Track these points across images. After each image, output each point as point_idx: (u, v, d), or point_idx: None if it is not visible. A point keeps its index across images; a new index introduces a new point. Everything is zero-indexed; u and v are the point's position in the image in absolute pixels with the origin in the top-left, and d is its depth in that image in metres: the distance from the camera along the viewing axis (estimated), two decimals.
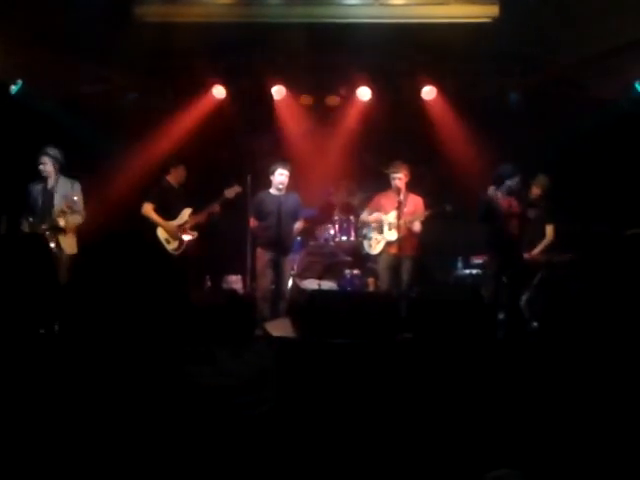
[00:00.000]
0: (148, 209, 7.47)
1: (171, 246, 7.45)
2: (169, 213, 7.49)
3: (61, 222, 6.84)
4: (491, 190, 7.05)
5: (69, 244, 6.93)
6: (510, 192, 7.32)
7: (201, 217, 7.54)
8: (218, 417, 3.69)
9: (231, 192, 7.44)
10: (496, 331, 6.15)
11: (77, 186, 7.04)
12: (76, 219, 6.95)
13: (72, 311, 5.55)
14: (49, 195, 6.93)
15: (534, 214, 7.23)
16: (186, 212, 7.53)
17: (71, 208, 6.86)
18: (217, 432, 3.66)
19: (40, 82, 8.13)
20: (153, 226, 7.44)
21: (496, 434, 3.80)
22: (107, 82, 8.66)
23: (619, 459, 3.48)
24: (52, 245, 6.75)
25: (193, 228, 7.53)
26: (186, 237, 7.49)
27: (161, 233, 7.47)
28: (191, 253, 7.52)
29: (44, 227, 6.80)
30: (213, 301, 5.47)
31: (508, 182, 7.26)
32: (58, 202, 6.90)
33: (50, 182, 6.97)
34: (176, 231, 7.45)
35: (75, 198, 6.91)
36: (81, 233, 7.03)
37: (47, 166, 6.93)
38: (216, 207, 7.47)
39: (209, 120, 9.00)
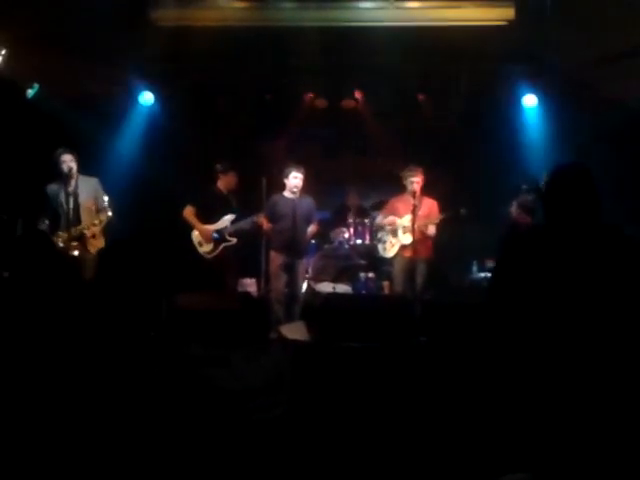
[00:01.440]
0: (188, 212, 7.56)
1: (203, 249, 7.50)
2: (210, 218, 7.52)
3: (89, 233, 6.72)
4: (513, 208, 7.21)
5: (96, 243, 6.80)
6: (524, 208, 7.36)
7: (243, 225, 7.51)
8: (232, 420, 3.69)
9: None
10: None
11: (98, 183, 6.96)
12: (104, 217, 6.78)
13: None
14: (73, 197, 6.80)
15: None
16: (227, 218, 7.52)
17: (99, 208, 6.79)
18: (231, 435, 3.66)
19: (56, 86, 8.18)
20: (189, 229, 7.50)
21: (511, 438, 3.78)
22: (123, 85, 8.69)
23: (629, 463, 3.44)
24: (75, 253, 6.65)
25: (233, 235, 7.52)
26: (224, 242, 7.49)
27: (195, 236, 7.55)
28: (228, 258, 7.52)
29: (72, 235, 6.68)
30: (228, 304, 5.50)
31: (523, 197, 7.35)
32: (84, 203, 6.80)
33: (72, 183, 6.83)
34: (211, 235, 7.46)
35: (102, 198, 6.82)
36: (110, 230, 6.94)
37: (74, 164, 6.81)
38: (261, 216, 7.41)
39: (224, 123, 9.03)
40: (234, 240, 7.51)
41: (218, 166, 7.67)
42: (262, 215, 7.38)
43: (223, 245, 7.48)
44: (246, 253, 7.97)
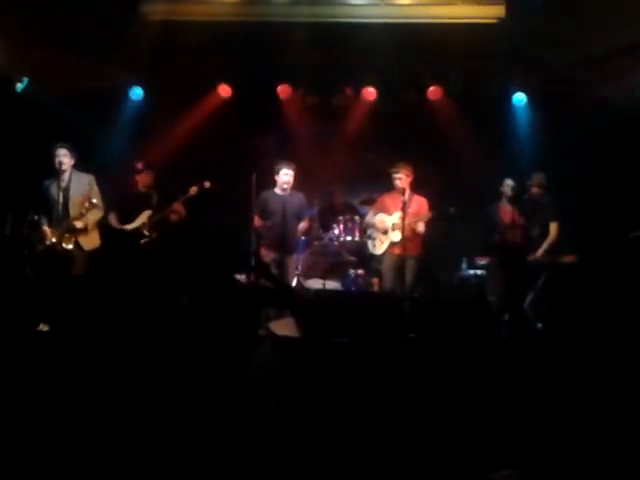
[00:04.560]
0: (110, 217, 7.51)
1: None
2: (129, 217, 7.52)
3: (79, 224, 6.77)
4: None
5: (90, 240, 6.88)
6: (508, 199, 7.41)
7: (160, 217, 7.50)
8: (223, 416, 3.69)
9: (194, 189, 7.48)
10: (501, 332, 6.15)
11: (92, 180, 6.96)
12: (96, 214, 6.90)
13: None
14: (64, 192, 6.83)
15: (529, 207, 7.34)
16: (145, 214, 7.53)
17: (91, 204, 6.80)
18: (222, 431, 3.66)
19: (46, 79, 8.14)
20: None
21: (500, 434, 3.80)
22: (112, 79, 8.66)
23: (620, 459, 3.48)
24: (70, 246, 6.74)
25: (153, 228, 7.49)
26: (143, 239, 7.48)
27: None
28: (151, 253, 7.46)
29: (63, 229, 6.74)
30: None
31: (501, 189, 7.43)
32: (74, 198, 6.83)
33: (65, 178, 6.84)
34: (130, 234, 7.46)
35: (94, 195, 6.87)
36: (103, 227, 7.09)
37: (67, 158, 6.82)
38: (177, 205, 7.47)
39: (214, 119, 9.00)
40: (153, 234, 7.48)
41: (137, 166, 7.70)
42: (179, 203, 7.47)
43: (142, 241, 7.46)
44: (236, 249, 7.96)
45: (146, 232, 7.47)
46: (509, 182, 7.45)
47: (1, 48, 7.42)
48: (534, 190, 7.47)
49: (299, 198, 7.54)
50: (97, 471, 3.42)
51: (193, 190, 7.48)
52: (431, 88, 8.98)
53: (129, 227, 7.50)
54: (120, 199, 7.70)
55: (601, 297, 6.32)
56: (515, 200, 7.37)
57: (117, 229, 7.48)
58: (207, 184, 7.49)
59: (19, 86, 8.07)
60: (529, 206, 7.36)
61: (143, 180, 7.70)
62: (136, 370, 4.29)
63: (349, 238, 8.38)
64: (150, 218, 7.52)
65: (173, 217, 7.58)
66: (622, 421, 3.83)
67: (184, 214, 7.63)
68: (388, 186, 7.60)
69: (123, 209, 7.58)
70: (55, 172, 6.86)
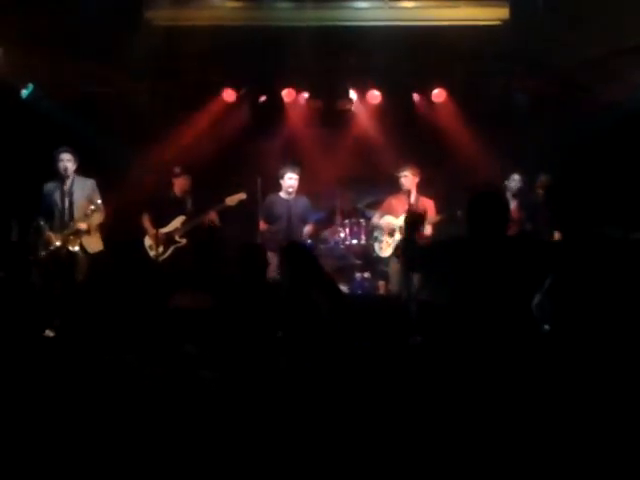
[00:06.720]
0: (143, 218, 7.58)
1: (153, 252, 7.43)
2: (162, 221, 7.50)
3: (83, 226, 6.85)
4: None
5: (93, 243, 6.98)
6: (514, 194, 7.42)
7: (193, 224, 7.49)
8: (227, 418, 3.70)
9: (233, 199, 7.40)
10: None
11: (94, 184, 7.06)
12: (98, 218, 6.98)
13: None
14: (68, 196, 6.91)
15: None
16: (178, 220, 7.52)
17: (94, 207, 6.88)
18: (226, 432, 3.67)
19: (50, 85, 8.17)
20: (143, 234, 7.56)
21: (507, 438, 3.78)
22: (117, 85, 8.68)
23: (626, 463, 3.46)
24: (76, 248, 6.80)
25: (184, 235, 7.49)
26: (174, 244, 7.47)
27: (146, 240, 7.55)
28: (180, 259, 7.46)
29: (67, 232, 6.83)
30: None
31: (507, 183, 7.44)
32: (78, 202, 6.91)
33: (67, 182, 6.95)
34: (161, 238, 7.41)
35: (96, 198, 6.95)
36: (104, 230, 7.14)
37: (70, 163, 6.92)
38: (212, 215, 7.43)
39: (218, 123, 9.01)
40: (184, 241, 7.48)
41: (175, 169, 7.66)
42: (213, 212, 7.41)
43: (173, 247, 7.45)
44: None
45: (177, 238, 7.46)
46: (516, 177, 7.53)
47: (6, 54, 7.45)
48: (540, 192, 7.48)
49: (304, 202, 7.54)
50: (101, 473, 3.43)
51: (230, 200, 7.42)
52: (435, 90, 8.96)
53: (162, 231, 7.47)
54: (155, 202, 7.64)
55: (606, 299, 6.31)
56: (520, 195, 7.42)
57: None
58: (244, 195, 7.44)
59: (24, 92, 8.10)
60: (532, 207, 7.37)
61: (180, 184, 7.65)
62: (142, 374, 4.31)
63: (355, 241, 8.37)
64: (183, 224, 7.51)
65: (207, 225, 7.52)
66: (631, 425, 3.82)
67: (218, 223, 7.55)
68: (394, 190, 7.59)
69: (157, 211, 7.52)
70: (58, 177, 6.96)
